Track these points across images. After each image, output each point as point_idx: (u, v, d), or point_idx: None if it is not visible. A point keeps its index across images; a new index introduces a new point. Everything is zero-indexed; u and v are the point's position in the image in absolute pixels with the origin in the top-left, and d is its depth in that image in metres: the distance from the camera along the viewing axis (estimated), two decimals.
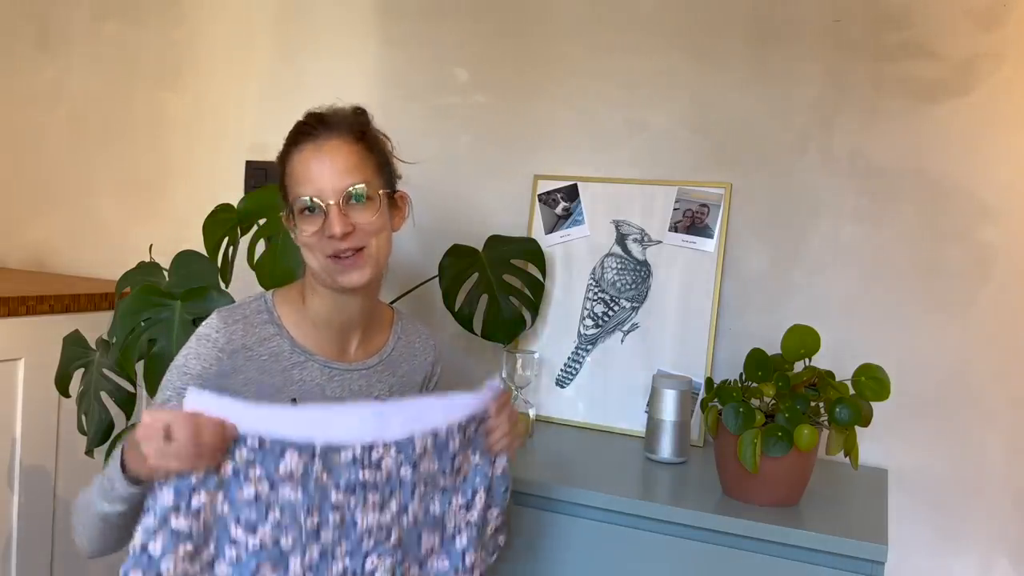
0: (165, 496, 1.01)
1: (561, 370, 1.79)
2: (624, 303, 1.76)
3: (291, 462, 1.04)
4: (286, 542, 1.05)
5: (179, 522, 1.02)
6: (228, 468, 1.03)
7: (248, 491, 1.03)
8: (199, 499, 1.02)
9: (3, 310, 1.87)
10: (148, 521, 1.02)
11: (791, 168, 1.70)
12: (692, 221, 1.72)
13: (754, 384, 1.35)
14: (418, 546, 1.13)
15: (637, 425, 1.70)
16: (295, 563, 1.05)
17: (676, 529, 1.30)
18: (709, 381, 1.45)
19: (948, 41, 1.59)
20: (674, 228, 1.74)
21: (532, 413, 1.68)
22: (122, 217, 2.32)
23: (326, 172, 1.14)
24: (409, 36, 2.01)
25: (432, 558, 1.15)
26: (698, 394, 1.63)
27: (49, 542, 2.00)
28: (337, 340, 1.24)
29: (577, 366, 1.78)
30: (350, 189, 1.13)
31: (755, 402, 1.33)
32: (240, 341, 1.18)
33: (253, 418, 1.04)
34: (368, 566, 1.09)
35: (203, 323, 1.20)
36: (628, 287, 1.76)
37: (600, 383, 1.76)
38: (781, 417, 1.28)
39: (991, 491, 1.58)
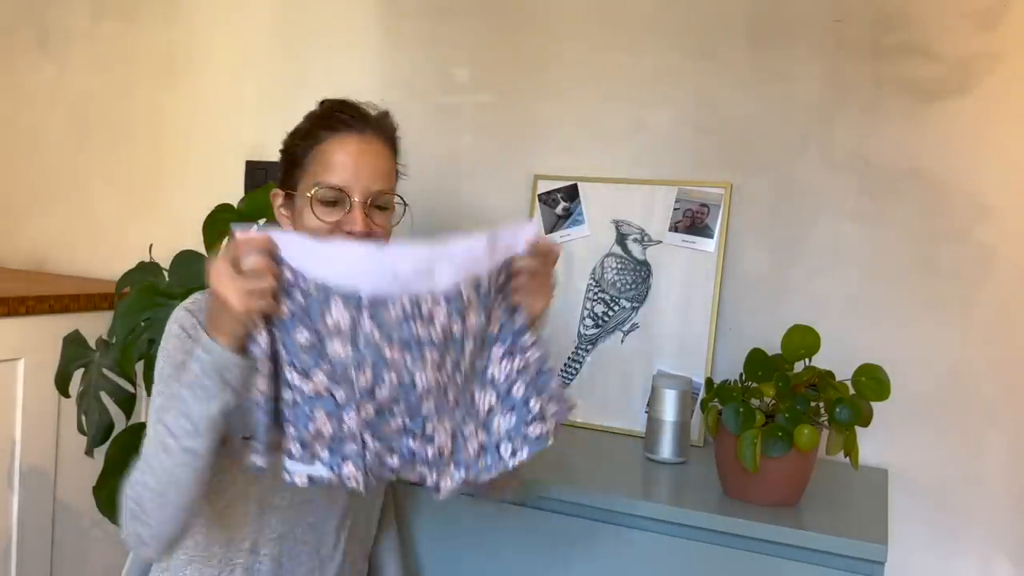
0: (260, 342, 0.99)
1: (561, 370, 1.79)
2: (624, 303, 1.76)
3: (337, 314, 0.99)
4: (340, 396, 1.02)
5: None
6: (285, 309, 1.00)
7: (302, 336, 1.00)
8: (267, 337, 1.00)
9: (3, 310, 1.87)
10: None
11: (791, 168, 1.70)
12: (692, 221, 1.72)
13: (754, 384, 1.35)
14: (474, 406, 1.07)
15: (637, 425, 1.70)
16: (350, 419, 1.02)
17: (676, 529, 1.30)
18: (709, 381, 1.45)
19: (947, 41, 1.59)
20: (674, 228, 1.74)
21: None
22: (122, 217, 2.32)
23: (365, 170, 1.13)
24: (409, 35, 2.00)
25: (496, 417, 1.08)
26: (698, 394, 1.63)
27: (49, 542, 2.00)
28: None
29: (577, 366, 1.78)
30: (379, 193, 1.14)
31: (755, 402, 1.33)
32: None
33: (298, 247, 1.00)
34: (428, 428, 1.04)
35: (190, 300, 1.17)
36: (628, 287, 1.76)
37: (600, 383, 1.76)
38: (781, 417, 1.28)
39: (991, 491, 1.58)
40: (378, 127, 1.17)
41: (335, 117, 1.16)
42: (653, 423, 1.54)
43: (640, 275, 1.75)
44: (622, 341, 1.75)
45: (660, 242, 1.74)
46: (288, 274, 1.00)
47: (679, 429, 1.52)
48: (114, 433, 1.65)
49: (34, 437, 1.95)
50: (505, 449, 1.08)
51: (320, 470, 1.03)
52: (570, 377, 1.78)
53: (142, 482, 1.03)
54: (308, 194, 1.13)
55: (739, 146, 1.73)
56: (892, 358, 1.40)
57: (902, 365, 1.54)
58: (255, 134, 2.12)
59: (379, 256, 1.01)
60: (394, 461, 1.06)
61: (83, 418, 1.68)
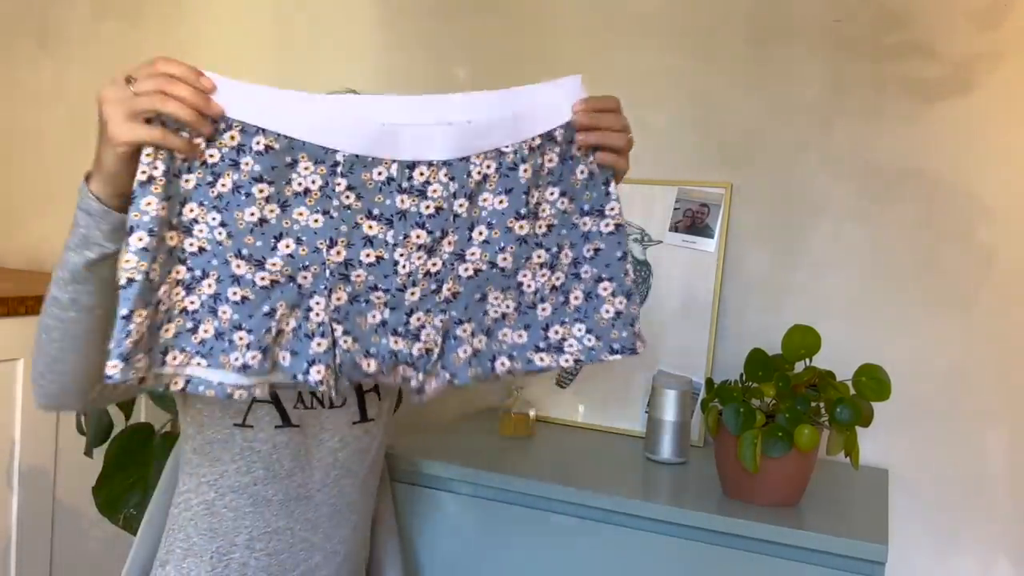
0: (144, 197, 0.81)
1: (561, 370, 1.79)
2: None
3: (305, 174, 0.85)
4: (305, 279, 0.87)
5: (171, 236, 0.83)
6: (228, 181, 0.84)
7: (250, 212, 0.85)
8: (189, 209, 0.84)
9: (3, 310, 1.87)
10: (139, 236, 0.82)
11: (791, 168, 1.70)
12: (692, 221, 1.72)
13: (754, 384, 1.34)
14: (481, 308, 0.93)
15: (637, 425, 1.70)
16: (318, 306, 0.87)
17: (676, 529, 1.30)
18: (709, 381, 1.45)
19: (948, 41, 1.59)
20: (674, 228, 1.73)
21: (532, 413, 1.68)
22: None
23: None
24: (409, 35, 2.00)
25: (505, 328, 0.94)
26: (698, 394, 1.63)
27: (48, 542, 2.00)
28: None
29: (577, 366, 1.78)
30: None
31: (755, 402, 1.33)
32: None
33: (251, 100, 0.86)
34: (413, 322, 0.90)
35: None
36: None
37: (600, 383, 1.76)
38: (782, 417, 1.28)
39: (992, 491, 1.58)
40: None
41: None
42: (653, 423, 1.54)
43: (640, 275, 1.75)
44: None
45: (660, 242, 1.74)
46: (235, 135, 0.85)
47: (679, 429, 1.52)
48: (113, 433, 1.65)
49: (33, 437, 1.95)
50: (501, 365, 0.95)
51: (277, 378, 0.89)
52: (570, 377, 1.78)
53: (39, 322, 0.94)
54: None
55: (739, 146, 1.73)
56: (892, 358, 1.40)
57: (902, 365, 1.55)
58: None
59: (363, 107, 0.86)
60: (371, 366, 0.90)
61: (82, 418, 1.68)
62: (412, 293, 0.89)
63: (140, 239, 0.81)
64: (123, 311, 0.80)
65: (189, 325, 0.85)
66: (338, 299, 0.87)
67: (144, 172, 0.83)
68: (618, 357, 0.96)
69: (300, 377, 0.87)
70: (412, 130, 0.86)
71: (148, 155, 0.83)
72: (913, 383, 1.59)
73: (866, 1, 1.64)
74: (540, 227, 0.93)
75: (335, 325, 0.87)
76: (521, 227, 0.91)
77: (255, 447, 1.13)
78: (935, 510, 1.61)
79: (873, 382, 1.29)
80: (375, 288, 0.88)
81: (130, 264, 0.81)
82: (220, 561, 1.16)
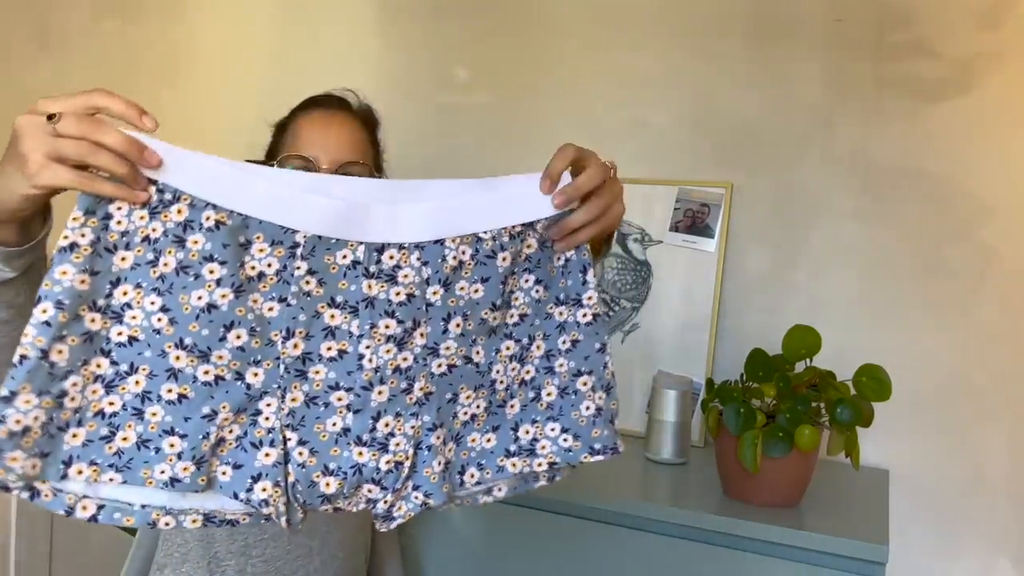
0: (61, 265, 0.69)
1: None
2: (624, 303, 1.75)
3: (260, 256, 0.74)
4: (255, 376, 0.75)
5: (92, 319, 0.71)
6: (170, 262, 0.72)
7: (197, 296, 0.72)
8: (123, 291, 0.72)
9: None
10: (44, 307, 0.69)
11: (792, 168, 1.70)
12: (693, 221, 1.72)
13: (755, 384, 1.34)
14: (452, 409, 0.82)
15: (637, 425, 1.70)
16: (268, 408, 0.75)
17: (676, 530, 1.30)
18: (710, 381, 1.45)
19: (949, 41, 1.59)
20: (675, 228, 1.73)
21: None
22: None
23: (331, 140, 1.13)
24: (409, 35, 2.00)
25: (473, 432, 0.84)
26: (698, 394, 1.63)
27: (48, 542, 2.00)
28: None
29: None
30: (349, 164, 1.12)
31: (756, 402, 1.33)
32: None
33: (200, 170, 0.73)
34: (380, 429, 0.78)
35: None
36: (628, 287, 1.75)
37: None
38: (782, 417, 1.28)
39: (992, 491, 1.58)
40: (351, 108, 1.18)
41: (309, 99, 1.19)
42: (653, 423, 1.54)
43: (640, 275, 1.75)
44: (622, 341, 1.75)
45: (660, 242, 1.74)
46: (182, 208, 0.72)
47: (679, 430, 1.52)
48: None
49: None
50: (470, 476, 0.84)
51: (215, 502, 0.75)
52: None
53: None
54: (275, 165, 1.12)
55: (739, 146, 1.73)
56: (893, 358, 1.40)
57: (903, 365, 1.54)
58: (255, 134, 2.11)
59: (327, 183, 0.76)
60: (330, 486, 0.77)
61: None
62: (379, 392, 0.77)
63: (44, 311, 0.69)
64: (4, 391, 0.68)
65: (104, 432, 0.72)
66: (293, 400, 0.76)
67: (67, 237, 0.70)
68: (600, 458, 0.86)
69: (242, 496, 0.74)
70: (382, 209, 0.76)
71: (75, 219, 0.71)
72: (914, 383, 1.59)
73: (866, 1, 1.64)
74: (511, 316, 0.83)
75: (288, 433, 0.76)
76: (493, 318, 0.82)
77: None
78: (935, 510, 1.61)
79: (873, 382, 1.29)
80: (336, 387, 0.77)
81: (27, 338, 0.68)
82: (218, 567, 1.16)
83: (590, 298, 0.85)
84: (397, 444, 0.78)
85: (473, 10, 1.93)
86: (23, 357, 0.68)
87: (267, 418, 0.75)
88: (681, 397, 1.52)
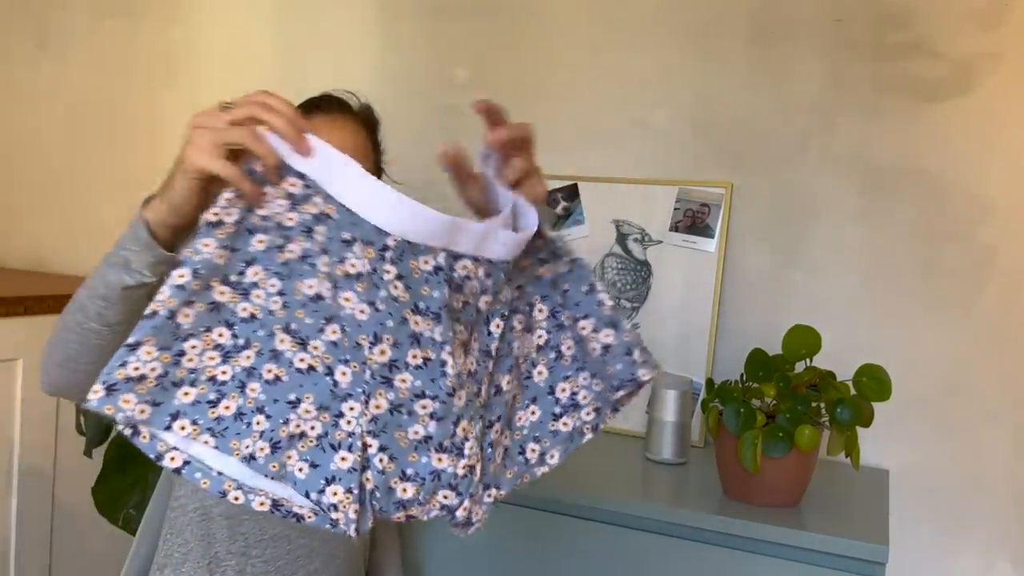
0: (205, 237, 0.76)
1: None
2: (624, 303, 1.75)
3: (359, 254, 0.77)
4: (343, 375, 0.77)
5: (222, 291, 0.76)
6: (296, 248, 0.76)
7: (308, 285, 0.77)
8: (254, 272, 0.77)
9: (2, 310, 1.87)
10: (182, 272, 0.75)
11: (792, 168, 1.70)
12: (693, 221, 1.72)
13: (755, 384, 1.34)
14: (501, 400, 0.85)
15: (637, 425, 1.70)
16: (351, 412, 0.76)
17: (676, 530, 1.30)
18: (710, 381, 1.45)
19: (948, 41, 1.59)
20: (675, 228, 1.73)
21: None
22: (121, 217, 2.30)
23: (332, 143, 1.12)
24: (409, 36, 2.00)
25: (518, 412, 0.87)
26: (698, 394, 1.63)
27: (48, 543, 2.00)
28: None
29: None
30: None
31: (756, 403, 1.33)
32: None
33: (330, 165, 0.77)
34: (459, 435, 0.79)
35: None
36: (628, 287, 1.75)
37: None
38: (782, 418, 1.28)
39: (992, 491, 1.58)
40: (351, 110, 1.19)
41: (310, 102, 1.19)
42: (653, 423, 1.54)
43: (640, 275, 1.75)
44: None
45: (660, 242, 1.74)
46: (318, 201, 0.77)
47: (679, 430, 1.52)
48: (113, 434, 1.65)
49: (33, 437, 1.95)
50: (532, 451, 0.87)
51: (285, 492, 0.76)
52: None
53: (61, 317, 0.94)
54: None
55: (739, 146, 1.73)
56: (893, 358, 1.40)
57: (903, 365, 1.54)
58: None
59: (414, 207, 0.78)
60: (407, 491, 0.78)
61: (82, 419, 1.68)
62: (459, 398, 0.79)
63: (182, 276, 0.75)
64: (131, 339, 0.74)
65: (212, 396, 0.76)
66: (377, 407, 0.76)
67: (216, 214, 0.77)
68: (621, 394, 0.89)
69: (313, 496, 0.75)
70: (475, 227, 0.79)
71: (227, 199, 0.77)
72: (914, 383, 1.59)
73: (866, 1, 1.64)
74: (515, 291, 0.86)
75: (369, 439, 0.76)
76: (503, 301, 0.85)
77: None
78: (935, 510, 1.61)
79: (873, 382, 1.29)
80: (422, 395, 0.77)
81: (161, 296, 0.75)
82: (218, 567, 1.16)
83: (559, 247, 0.87)
84: (471, 448, 0.80)
85: (473, 10, 1.93)
86: (153, 312, 0.74)
87: (348, 421, 0.76)
88: (681, 397, 1.52)
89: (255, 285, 0.77)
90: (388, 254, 0.76)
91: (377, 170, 1.20)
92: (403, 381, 0.77)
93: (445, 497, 0.79)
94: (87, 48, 2.36)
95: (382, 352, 0.76)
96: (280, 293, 0.77)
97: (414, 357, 0.77)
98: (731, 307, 1.72)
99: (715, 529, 1.27)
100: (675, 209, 1.74)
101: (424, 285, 0.77)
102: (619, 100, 1.82)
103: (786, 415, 1.27)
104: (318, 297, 0.77)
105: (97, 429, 1.65)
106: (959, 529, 1.59)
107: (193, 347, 0.76)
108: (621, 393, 0.89)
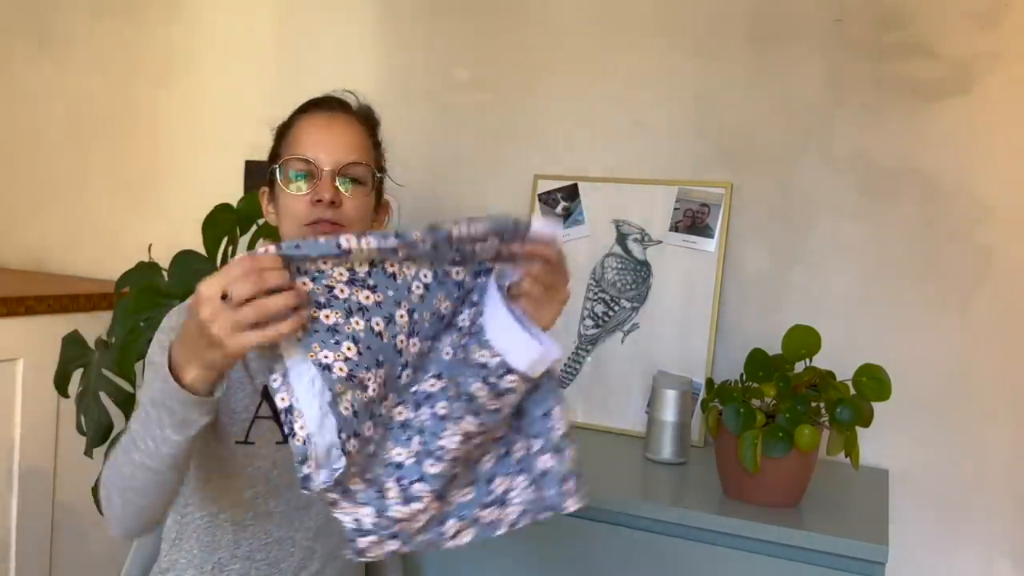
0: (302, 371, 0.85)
1: (561, 370, 1.79)
2: (624, 303, 1.76)
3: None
4: (407, 352, 0.90)
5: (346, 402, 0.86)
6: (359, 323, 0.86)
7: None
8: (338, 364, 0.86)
9: (2, 310, 1.87)
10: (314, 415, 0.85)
11: (792, 168, 1.70)
12: (693, 221, 1.72)
13: (755, 384, 1.34)
14: (447, 475, 0.94)
15: (637, 425, 1.70)
16: (373, 384, 0.88)
17: (676, 530, 1.30)
18: (709, 381, 1.45)
19: (948, 41, 1.59)
20: (675, 228, 1.73)
21: None
22: (120, 216, 2.32)
23: (332, 140, 1.13)
24: (409, 35, 2.00)
25: (456, 489, 0.96)
26: (698, 394, 1.63)
27: (48, 543, 2.00)
28: None
29: (577, 366, 1.78)
30: (351, 164, 1.12)
31: (756, 402, 1.33)
32: None
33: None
34: (418, 488, 0.91)
35: (175, 309, 1.16)
36: (628, 287, 1.75)
37: (600, 383, 1.76)
38: (782, 417, 1.28)
39: (992, 491, 1.58)
40: (351, 109, 1.19)
41: (310, 101, 1.19)
42: (653, 423, 1.54)
43: (640, 275, 1.75)
44: (622, 341, 1.75)
45: (660, 242, 1.74)
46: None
47: (679, 429, 1.52)
48: (113, 433, 1.65)
49: (33, 437, 1.95)
50: (451, 526, 0.96)
51: (312, 409, 0.87)
52: (570, 377, 1.78)
53: (113, 474, 1.00)
54: (278, 169, 1.13)
55: (739, 146, 1.73)
56: (893, 358, 1.40)
57: (903, 365, 1.54)
58: (255, 134, 2.10)
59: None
60: (355, 484, 0.91)
61: (82, 418, 1.68)
62: (445, 468, 0.92)
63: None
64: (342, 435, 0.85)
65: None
66: (397, 410, 0.91)
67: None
68: (548, 515, 0.96)
69: (325, 438, 0.86)
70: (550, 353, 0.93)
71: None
72: (913, 383, 1.59)
73: (866, 1, 1.64)
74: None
75: (369, 424, 0.89)
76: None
77: (256, 463, 1.13)
78: (935, 510, 1.61)
79: (873, 382, 1.29)
80: (422, 433, 0.91)
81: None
82: (221, 571, 1.16)
83: (513, 380, 0.92)
84: (414, 507, 0.91)
85: (473, 10, 1.93)
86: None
87: (373, 399, 0.88)
88: (681, 397, 1.52)
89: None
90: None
91: (379, 169, 1.20)
92: (422, 415, 0.91)
93: (365, 516, 0.90)
94: (87, 48, 2.36)
95: (432, 384, 0.91)
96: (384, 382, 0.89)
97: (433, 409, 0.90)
98: (731, 307, 1.72)
99: (715, 529, 1.27)
100: (675, 209, 1.74)
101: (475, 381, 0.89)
102: (619, 100, 1.82)
103: (786, 415, 1.27)
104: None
105: (97, 429, 1.65)
106: (958, 528, 1.59)
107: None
108: (548, 514, 0.96)
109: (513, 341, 0.89)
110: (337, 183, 1.11)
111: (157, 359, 0.95)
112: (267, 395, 1.15)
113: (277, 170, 1.13)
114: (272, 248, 0.85)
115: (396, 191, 1.23)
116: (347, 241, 0.85)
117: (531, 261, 0.90)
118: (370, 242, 0.85)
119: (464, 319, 0.93)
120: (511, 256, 0.89)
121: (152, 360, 1.04)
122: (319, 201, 1.10)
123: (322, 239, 0.85)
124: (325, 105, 1.18)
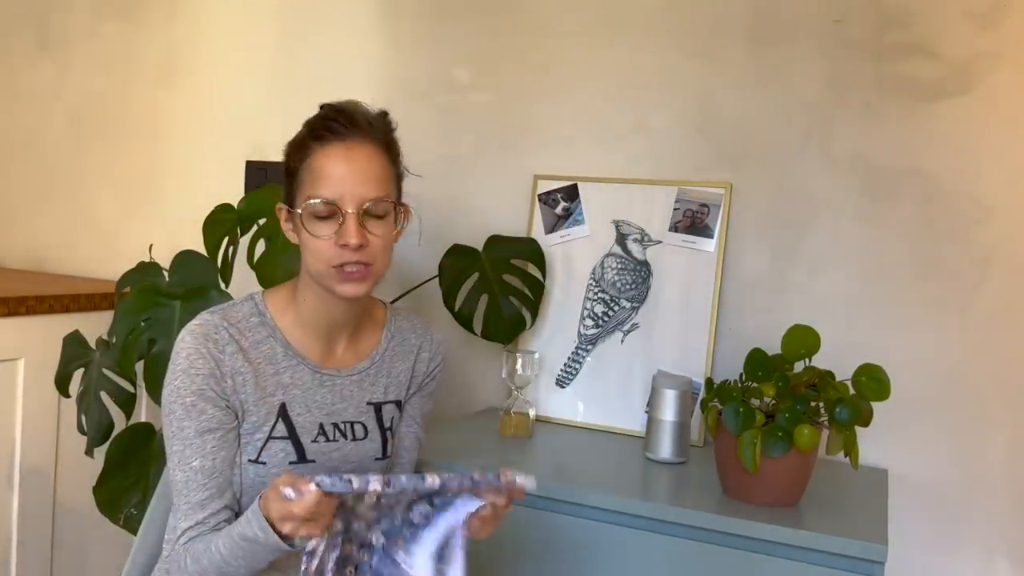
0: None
1: (561, 370, 1.79)
2: (624, 303, 1.76)
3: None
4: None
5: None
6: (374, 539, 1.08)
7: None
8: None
9: (3, 310, 1.87)
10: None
11: (791, 168, 1.70)
12: (692, 221, 1.72)
13: (754, 384, 1.34)
14: None
15: (637, 425, 1.70)
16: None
17: (676, 529, 1.30)
18: (709, 381, 1.45)
19: (948, 41, 1.59)
20: (674, 228, 1.74)
21: (532, 413, 1.68)
22: (121, 217, 2.32)
23: (354, 177, 1.11)
24: (410, 36, 2.00)
25: None
26: (698, 394, 1.63)
27: (49, 542, 2.00)
28: (325, 341, 1.21)
29: (577, 366, 1.78)
30: (372, 201, 1.11)
31: (755, 402, 1.33)
32: (238, 343, 1.15)
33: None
34: None
35: (197, 322, 1.15)
36: (628, 287, 1.76)
37: (600, 383, 1.76)
38: (781, 417, 1.28)
39: (991, 491, 1.58)
40: (369, 132, 1.14)
41: (323, 125, 1.13)
42: (653, 423, 1.54)
43: (640, 275, 1.75)
44: (622, 341, 1.75)
45: (660, 242, 1.74)
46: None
47: (679, 429, 1.52)
48: (114, 433, 1.65)
49: (34, 437, 1.95)
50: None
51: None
52: (570, 377, 1.78)
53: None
54: (300, 210, 1.12)
55: (739, 146, 1.73)
56: (892, 358, 1.40)
57: (902, 365, 1.54)
58: (255, 134, 2.12)
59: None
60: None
61: (83, 418, 1.68)
62: None
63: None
64: None
65: None
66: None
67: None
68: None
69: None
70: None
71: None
72: (913, 383, 1.59)
73: (866, 1, 1.64)
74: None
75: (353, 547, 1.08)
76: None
77: (267, 483, 1.11)
78: (935, 510, 1.61)
79: (873, 382, 1.30)
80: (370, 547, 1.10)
81: None
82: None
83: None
84: None
85: (473, 10, 1.94)
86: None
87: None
88: (681, 397, 1.52)
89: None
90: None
91: (397, 190, 1.18)
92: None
93: None
94: (88, 49, 2.36)
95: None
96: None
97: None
98: (731, 307, 1.72)
99: (714, 528, 1.27)
100: (675, 209, 1.74)
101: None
102: (619, 100, 1.82)
103: (785, 415, 1.28)
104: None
105: (98, 429, 1.65)
106: (958, 528, 1.60)
107: None
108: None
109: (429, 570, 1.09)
110: (362, 219, 1.10)
111: (184, 390, 1.12)
112: (283, 414, 1.16)
113: (299, 212, 1.12)
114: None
115: (413, 197, 1.22)
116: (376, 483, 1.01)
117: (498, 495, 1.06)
118: (400, 483, 1.02)
119: (416, 515, 1.09)
120: (482, 493, 1.06)
121: (178, 391, 1.12)
122: (345, 245, 1.09)
123: (355, 483, 1.00)
124: (345, 133, 1.12)
